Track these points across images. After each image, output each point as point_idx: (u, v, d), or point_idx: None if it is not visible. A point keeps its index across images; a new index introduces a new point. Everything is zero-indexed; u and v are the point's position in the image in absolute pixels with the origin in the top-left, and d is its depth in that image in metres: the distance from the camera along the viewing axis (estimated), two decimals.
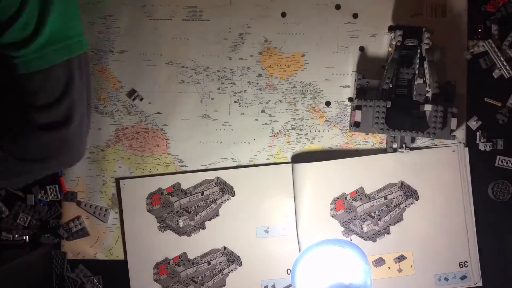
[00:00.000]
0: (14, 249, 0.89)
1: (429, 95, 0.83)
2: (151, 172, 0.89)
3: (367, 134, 0.87)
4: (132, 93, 0.88)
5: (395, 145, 0.87)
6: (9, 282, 0.80)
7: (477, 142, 0.88)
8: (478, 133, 0.88)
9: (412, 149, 0.87)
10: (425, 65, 0.83)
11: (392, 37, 0.84)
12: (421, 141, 0.88)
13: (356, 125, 0.83)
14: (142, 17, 0.88)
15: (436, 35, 0.87)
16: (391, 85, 0.83)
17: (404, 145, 0.86)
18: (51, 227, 0.89)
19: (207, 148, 0.89)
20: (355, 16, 0.88)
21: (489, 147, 0.88)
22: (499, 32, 0.87)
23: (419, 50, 0.84)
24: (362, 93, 0.86)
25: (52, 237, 0.89)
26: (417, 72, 0.84)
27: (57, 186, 0.88)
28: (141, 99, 0.88)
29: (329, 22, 0.88)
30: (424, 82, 0.84)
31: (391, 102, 0.82)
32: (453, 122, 0.82)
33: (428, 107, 0.82)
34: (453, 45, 0.88)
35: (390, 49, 0.86)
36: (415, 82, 0.84)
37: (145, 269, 0.88)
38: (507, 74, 0.87)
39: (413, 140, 0.87)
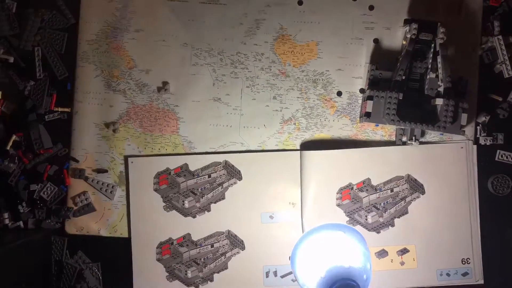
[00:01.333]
0: (13, 233, 0.89)
1: (441, 89, 0.84)
2: (160, 151, 0.89)
3: (377, 125, 0.88)
4: (164, 85, 0.88)
5: (404, 138, 0.87)
6: (6, 266, 0.80)
7: (478, 136, 0.89)
8: (478, 127, 0.88)
9: (421, 143, 0.87)
10: (439, 60, 0.83)
11: (407, 30, 0.85)
12: (430, 135, 0.88)
13: (367, 115, 0.83)
14: None
15: (450, 31, 0.88)
16: (403, 77, 0.84)
17: (413, 138, 0.86)
18: (55, 209, 0.89)
19: (217, 131, 0.89)
20: (371, 8, 0.89)
21: (490, 141, 0.88)
22: (501, 28, 0.88)
23: (432, 45, 0.84)
24: (374, 84, 0.86)
25: (53, 222, 0.89)
26: (430, 66, 0.84)
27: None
28: (166, 91, 0.89)
29: (345, 12, 0.89)
30: (437, 76, 0.84)
31: (403, 95, 0.83)
32: (463, 117, 0.83)
33: (439, 101, 0.82)
34: (467, 42, 0.88)
35: (404, 42, 0.87)
36: (428, 76, 0.85)
37: (148, 248, 0.88)
38: (507, 74, 0.88)
39: (422, 134, 0.87)
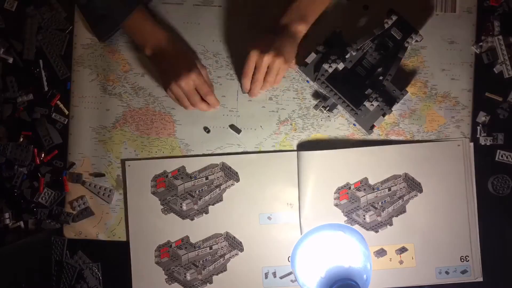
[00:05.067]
0: (14, 233, 0.89)
1: (377, 83, 0.84)
2: (157, 154, 0.89)
3: (308, 82, 0.88)
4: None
5: (322, 104, 0.86)
6: (6, 266, 0.80)
7: (478, 136, 0.89)
8: (478, 127, 0.89)
9: (417, 141, 0.88)
10: (393, 60, 0.83)
11: (386, 18, 0.84)
12: (427, 134, 0.88)
13: (304, 65, 0.85)
14: (154, 0, 0.88)
15: (445, 29, 0.88)
16: (354, 53, 0.84)
17: (329, 107, 0.86)
18: (54, 214, 0.89)
19: (213, 133, 0.89)
20: (365, 8, 0.89)
21: (490, 141, 0.89)
22: (501, 28, 0.88)
23: (394, 44, 0.84)
24: (329, 45, 0.86)
25: (53, 222, 0.89)
26: (382, 60, 0.85)
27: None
28: (208, 132, 0.89)
29: (340, 13, 0.88)
30: (383, 74, 0.84)
31: (346, 69, 0.83)
32: (379, 120, 0.84)
33: (368, 91, 0.83)
34: (461, 40, 0.89)
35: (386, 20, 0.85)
36: (378, 70, 0.85)
37: (147, 251, 0.88)
38: (507, 74, 0.88)
39: (332, 107, 0.86)
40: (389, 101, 0.84)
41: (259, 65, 0.82)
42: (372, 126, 0.85)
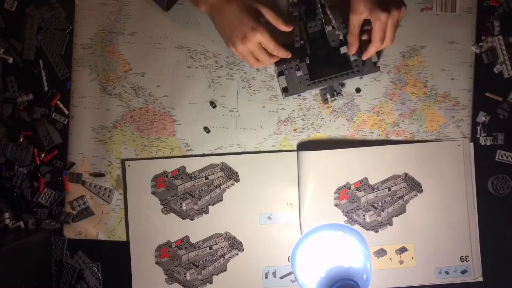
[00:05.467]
0: (14, 233, 0.89)
1: (342, 38, 0.84)
2: (157, 154, 0.89)
3: (299, 95, 0.88)
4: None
5: (328, 97, 0.86)
6: (6, 266, 0.80)
7: (478, 136, 0.89)
8: (478, 127, 0.89)
9: (417, 141, 0.88)
10: (328, 12, 0.83)
11: None
12: (426, 134, 0.88)
13: (285, 91, 0.84)
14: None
15: (445, 29, 0.88)
16: (302, 42, 0.83)
17: (335, 93, 0.86)
18: (54, 214, 0.89)
19: (213, 133, 0.89)
20: None
21: (490, 141, 0.89)
22: (501, 28, 0.88)
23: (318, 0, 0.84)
24: (281, 60, 0.84)
25: (53, 222, 0.89)
26: (323, 21, 0.84)
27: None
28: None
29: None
30: (333, 27, 0.84)
31: (310, 57, 0.83)
32: (374, 56, 0.84)
33: (344, 49, 0.82)
34: (461, 40, 0.89)
35: (291, 9, 0.86)
36: (326, 31, 0.84)
37: (147, 251, 0.88)
38: (507, 74, 0.88)
39: (341, 86, 0.87)
40: (360, 39, 0.83)
41: (378, 20, 0.75)
42: (375, 63, 0.84)
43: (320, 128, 0.89)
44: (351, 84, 0.89)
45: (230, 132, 0.89)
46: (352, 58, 0.83)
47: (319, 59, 0.84)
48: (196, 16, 0.89)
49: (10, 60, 0.90)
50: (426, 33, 0.88)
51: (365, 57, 0.83)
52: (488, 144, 0.89)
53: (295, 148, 0.89)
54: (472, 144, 0.88)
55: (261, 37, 0.76)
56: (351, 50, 0.82)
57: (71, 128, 0.89)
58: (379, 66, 0.84)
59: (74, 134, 0.89)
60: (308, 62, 0.83)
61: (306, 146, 0.89)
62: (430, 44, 0.89)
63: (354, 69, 0.83)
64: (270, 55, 0.80)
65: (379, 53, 0.87)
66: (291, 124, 0.89)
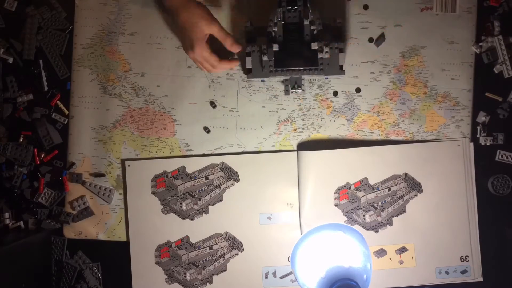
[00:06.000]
0: (14, 233, 0.89)
1: (316, 33, 0.83)
2: (157, 154, 0.89)
3: (263, 80, 0.87)
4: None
5: (289, 87, 0.86)
6: (6, 266, 0.80)
7: (478, 136, 0.89)
8: (478, 127, 0.89)
9: (417, 141, 0.88)
10: (309, 5, 0.82)
11: None
12: (426, 134, 0.88)
13: (248, 72, 0.84)
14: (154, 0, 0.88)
15: (445, 29, 0.88)
16: (275, 29, 0.83)
17: (295, 85, 0.85)
18: (54, 214, 0.89)
19: (213, 133, 0.89)
20: (365, 7, 0.89)
21: (490, 141, 0.89)
22: (501, 28, 0.88)
23: None
24: (251, 41, 0.84)
25: (53, 222, 0.89)
26: (302, 14, 0.83)
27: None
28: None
29: (340, 12, 0.88)
30: (311, 22, 0.83)
31: (281, 46, 0.82)
32: (341, 57, 0.82)
33: (315, 45, 0.81)
34: (461, 40, 0.89)
35: None
36: (304, 23, 0.83)
37: (147, 251, 0.88)
38: (507, 74, 0.88)
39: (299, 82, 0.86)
40: (336, 36, 0.84)
41: None
42: (341, 67, 0.83)
43: (320, 128, 0.89)
44: (352, 85, 0.89)
45: (230, 132, 0.89)
46: (320, 56, 0.82)
47: (289, 50, 0.83)
48: None
49: (10, 60, 0.90)
50: (426, 33, 0.88)
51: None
52: (488, 144, 0.89)
53: (295, 148, 0.89)
54: (472, 144, 0.88)
55: (203, 53, 0.81)
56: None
57: (71, 128, 0.90)
58: (344, 70, 0.83)
59: (74, 134, 0.89)
60: (277, 49, 0.82)
61: (306, 146, 0.89)
62: (430, 44, 0.89)
63: (319, 67, 0.82)
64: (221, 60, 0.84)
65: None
66: (291, 124, 0.89)
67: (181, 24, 0.81)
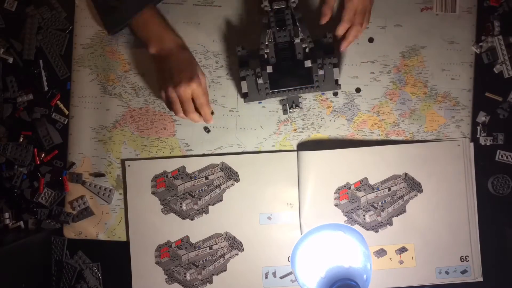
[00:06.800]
0: (14, 233, 0.89)
1: (308, 51, 0.83)
2: (157, 154, 0.89)
3: (260, 102, 0.88)
4: None
5: (287, 106, 0.87)
6: (6, 266, 0.80)
7: (478, 136, 0.89)
8: (478, 127, 0.89)
9: (417, 141, 0.88)
10: (298, 24, 0.82)
11: (262, 3, 0.83)
12: (426, 134, 0.88)
13: (244, 96, 0.84)
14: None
15: (445, 29, 0.88)
16: (267, 51, 0.83)
17: (293, 105, 0.86)
18: (54, 214, 0.89)
19: (213, 133, 0.89)
20: None
21: (490, 141, 0.89)
22: (501, 28, 0.88)
23: (288, 12, 0.83)
24: (244, 65, 0.85)
25: (53, 222, 0.89)
26: (292, 32, 0.84)
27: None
28: (208, 131, 0.89)
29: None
30: (301, 40, 0.83)
31: (274, 67, 0.82)
32: (335, 72, 0.82)
33: (307, 63, 0.82)
34: (461, 40, 0.89)
35: (261, 16, 0.85)
36: (295, 42, 0.84)
37: (147, 251, 0.88)
38: (507, 74, 0.88)
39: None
40: (328, 51, 0.84)
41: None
42: (336, 81, 0.83)
43: (320, 128, 0.89)
44: (352, 85, 0.89)
45: (230, 132, 0.89)
46: (314, 73, 0.82)
47: (283, 70, 0.84)
48: (196, 16, 0.89)
49: (10, 60, 0.90)
50: (426, 33, 0.88)
51: (344, 45, 0.85)
52: (488, 144, 0.89)
53: (295, 148, 0.89)
54: (472, 144, 0.88)
55: (196, 89, 0.81)
56: (324, 19, 0.85)
57: (71, 128, 0.90)
58: (340, 85, 0.83)
59: (74, 134, 0.89)
60: (271, 71, 0.82)
61: (306, 146, 0.89)
62: (430, 44, 0.89)
63: (314, 84, 0.83)
64: (195, 110, 0.83)
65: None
66: (291, 124, 0.89)
67: (178, 62, 0.82)
